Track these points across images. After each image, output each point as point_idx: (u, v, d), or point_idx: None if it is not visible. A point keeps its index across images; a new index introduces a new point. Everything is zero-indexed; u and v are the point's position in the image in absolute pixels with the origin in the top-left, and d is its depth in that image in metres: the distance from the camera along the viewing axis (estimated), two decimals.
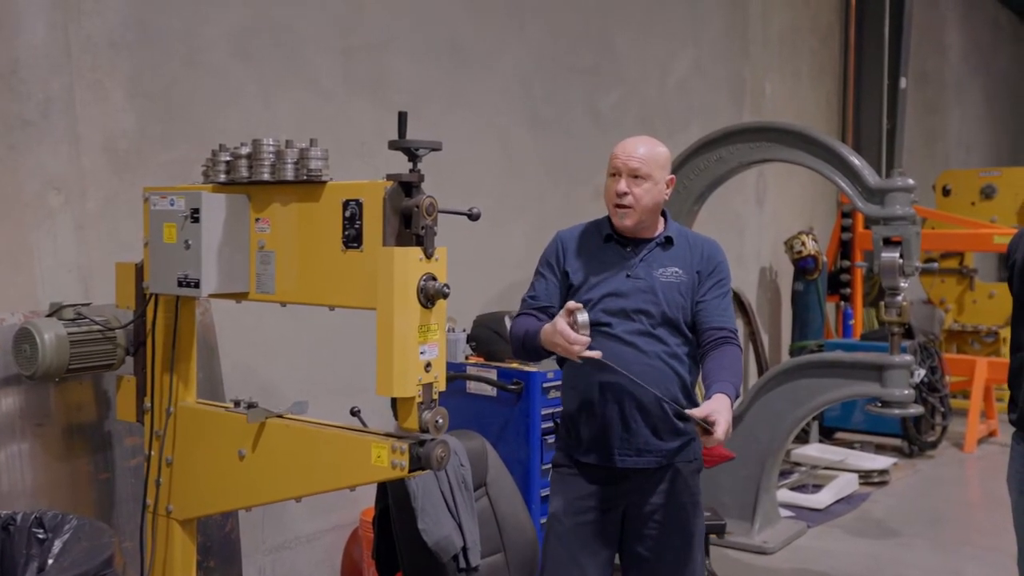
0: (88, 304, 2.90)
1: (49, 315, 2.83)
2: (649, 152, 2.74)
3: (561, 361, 2.83)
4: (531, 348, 2.74)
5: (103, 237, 3.29)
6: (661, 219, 2.85)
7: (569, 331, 2.54)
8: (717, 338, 2.72)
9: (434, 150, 2.33)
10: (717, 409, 2.47)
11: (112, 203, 3.32)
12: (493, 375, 4.12)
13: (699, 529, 2.87)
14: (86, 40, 3.23)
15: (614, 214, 2.77)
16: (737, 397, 2.61)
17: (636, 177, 2.72)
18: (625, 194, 2.71)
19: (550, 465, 3.00)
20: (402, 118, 2.32)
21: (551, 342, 2.61)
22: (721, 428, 2.44)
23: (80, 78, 3.22)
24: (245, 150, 2.50)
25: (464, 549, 3.30)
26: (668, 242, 2.81)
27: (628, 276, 2.76)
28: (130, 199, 3.28)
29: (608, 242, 2.82)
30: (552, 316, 2.77)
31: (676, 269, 2.77)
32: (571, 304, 2.57)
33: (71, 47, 3.19)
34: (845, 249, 7.91)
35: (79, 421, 3.04)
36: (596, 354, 2.57)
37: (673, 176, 2.84)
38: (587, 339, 2.54)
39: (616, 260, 2.79)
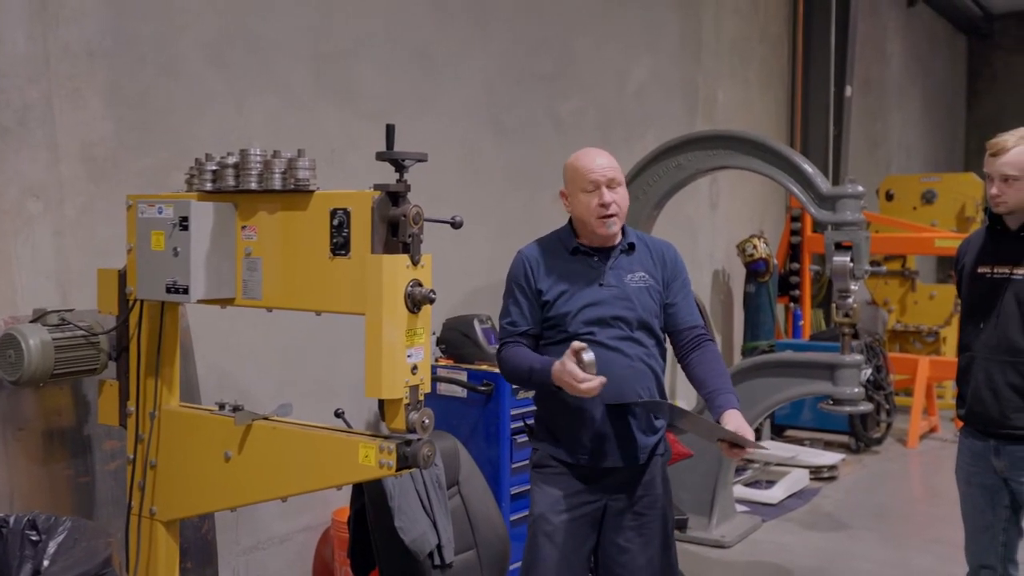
0: (71, 310, 2.93)
1: (33, 321, 2.86)
2: (612, 160, 2.90)
3: None
4: (537, 384, 2.84)
5: (81, 244, 3.32)
6: None
7: (579, 372, 2.63)
8: (694, 337, 2.91)
9: (420, 161, 2.43)
10: (741, 426, 2.69)
11: (90, 210, 3.34)
12: (463, 377, 4.22)
13: (672, 516, 3.02)
14: (64, 49, 3.26)
15: (600, 225, 2.85)
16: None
17: (614, 186, 2.85)
18: (612, 203, 2.83)
19: (528, 463, 3.09)
20: (390, 131, 2.41)
21: (561, 381, 2.69)
22: (752, 443, 2.68)
23: (58, 86, 3.24)
24: (232, 159, 2.57)
25: (439, 546, 3.39)
26: (631, 248, 2.93)
27: (601, 285, 2.87)
28: (107, 206, 3.31)
29: (575, 254, 2.92)
30: (535, 338, 2.90)
31: (643, 273, 2.90)
32: (576, 345, 2.66)
33: (49, 56, 3.21)
34: (794, 252, 8.12)
35: (59, 425, 3.06)
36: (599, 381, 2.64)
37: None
38: (598, 379, 2.63)
39: (586, 271, 2.89)
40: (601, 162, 2.86)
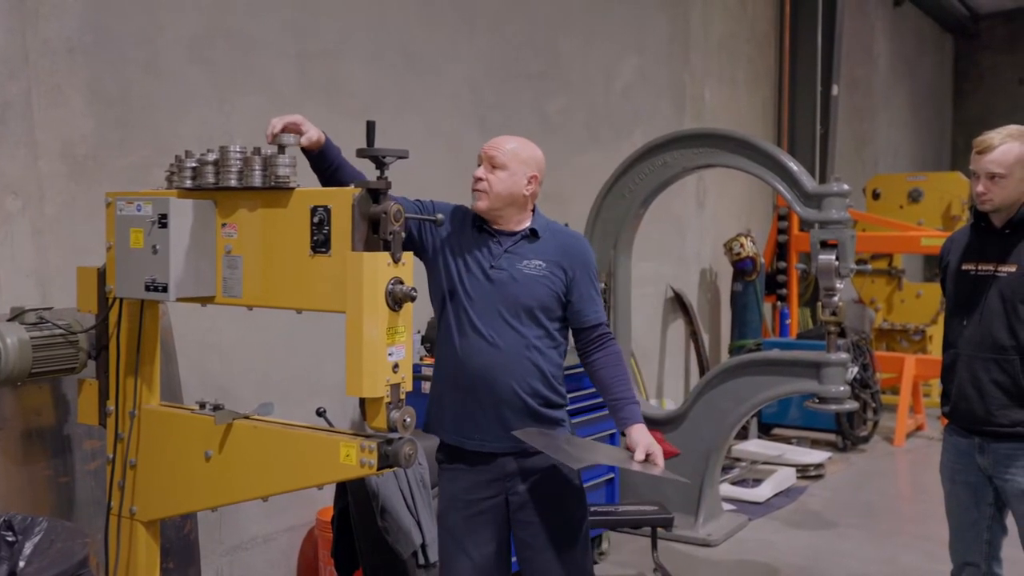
0: (50, 308, 2.90)
1: (11, 319, 2.82)
2: (511, 146, 2.87)
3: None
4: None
5: (61, 242, 3.29)
6: (530, 214, 2.92)
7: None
8: (597, 336, 2.90)
9: (401, 158, 2.42)
10: (647, 444, 2.76)
11: (70, 208, 3.31)
12: None
13: (580, 517, 2.91)
14: (44, 44, 3.22)
15: (472, 198, 2.88)
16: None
17: (493, 166, 2.85)
18: (480, 180, 2.85)
19: None
20: (370, 127, 2.40)
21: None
22: (660, 459, 2.75)
23: (38, 83, 3.21)
24: (212, 156, 2.54)
25: (423, 546, 3.39)
26: (533, 235, 2.88)
27: (492, 267, 2.83)
28: (88, 204, 3.29)
29: (481, 233, 2.89)
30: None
31: (539, 262, 2.84)
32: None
33: (28, 52, 3.18)
34: (781, 250, 8.14)
35: (38, 425, 3.03)
36: None
37: (536, 175, 2.87)
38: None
39: (483, 249, 2.86)
40: (494, 141, 2.89)
